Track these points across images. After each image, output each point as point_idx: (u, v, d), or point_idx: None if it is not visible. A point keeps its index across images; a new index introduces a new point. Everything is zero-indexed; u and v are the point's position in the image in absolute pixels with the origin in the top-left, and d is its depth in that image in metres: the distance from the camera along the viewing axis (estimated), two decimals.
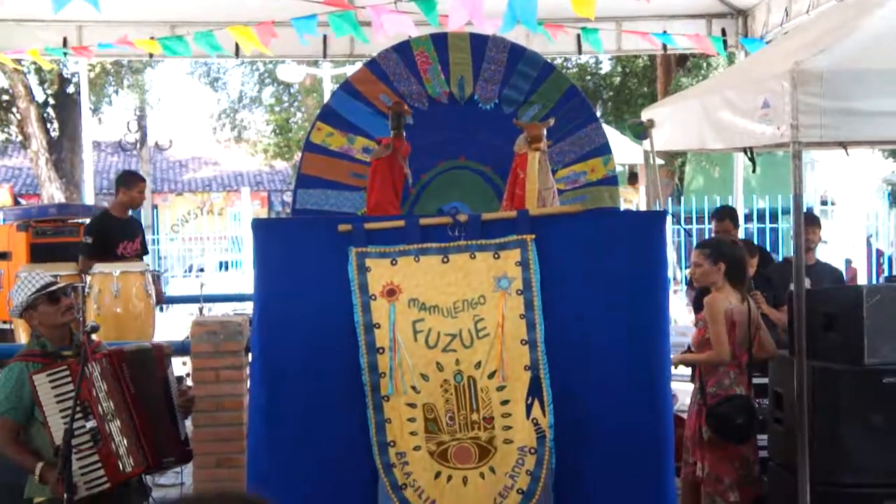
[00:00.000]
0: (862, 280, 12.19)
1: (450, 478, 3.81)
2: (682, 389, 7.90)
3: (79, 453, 3.84)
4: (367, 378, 3.81)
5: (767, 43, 7.96)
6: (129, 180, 7.58)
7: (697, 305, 6.81)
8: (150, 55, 8.39)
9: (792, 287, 4.75)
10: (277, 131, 29.41)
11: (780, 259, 12.40)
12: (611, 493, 3.81)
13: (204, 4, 8.06)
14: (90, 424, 3.89)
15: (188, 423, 4.54)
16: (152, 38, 8.19)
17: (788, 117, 4.34)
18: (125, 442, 3.93)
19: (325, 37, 8.22)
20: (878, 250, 13.50)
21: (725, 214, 7.16)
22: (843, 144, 4.86)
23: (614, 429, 3.82)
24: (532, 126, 4.02)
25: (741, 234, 9.09)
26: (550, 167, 4.47)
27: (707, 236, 15.09)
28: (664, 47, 8.46)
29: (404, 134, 4.22)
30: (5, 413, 4.00)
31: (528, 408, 3.78)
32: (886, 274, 12.50)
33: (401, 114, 4.13)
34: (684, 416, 7.33)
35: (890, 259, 13.16)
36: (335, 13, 7.17)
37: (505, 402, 3.79)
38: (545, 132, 3.99)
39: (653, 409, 3.86)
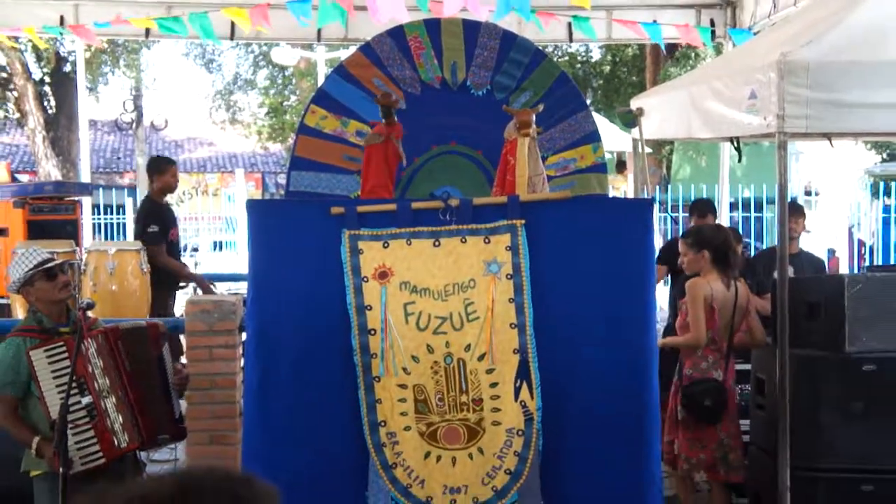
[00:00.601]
0: (844, 270, 12.23)
1: (439, 458, 3.82)
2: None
3: (75, 428, 3.84)
4: (358, 359, 3.81)
5: (755, 34, 7.95)
6: (160, 166, 7.36)
7: (682, 290, 6.83)
8: (147, 32, 8.31)
9: (775, 275, 4.76)
10: (272, 114, 29.30)
11: (764, 247, 12.45)
12: (596, 474, 3.83)
13: None
14: (86, 400, 3.89)
15: (182, 400, 4.54)
16: (148, 17, 8.14)
17: (775, 108, 4.34)
18: (120, 418, 3.92)
19: (318, 20, 8.15)
20: (859, 240, 13.54)
21: (706, 210, 7.14)
22: (828, 136, 4.86)
23: (601, 411, 3.83)
24: (521, 112, 4.01)
25: (726, 223, 9.12)
26: (541, 154, 4.46)
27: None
28: (652, 34, 8.44)
29: (395, 118, 4.20)
30: (3, 388, 4.00)
31: (517, 390, 3.78)
32: (868, 263, 12.54)
33: (389, 105, 4.11)
34: None
35: (871, 249, 13.21)
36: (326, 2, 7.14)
37: (494, 385, 3.80)
38: (534, 118, 3.98)
39: (639, 393, 3.87)
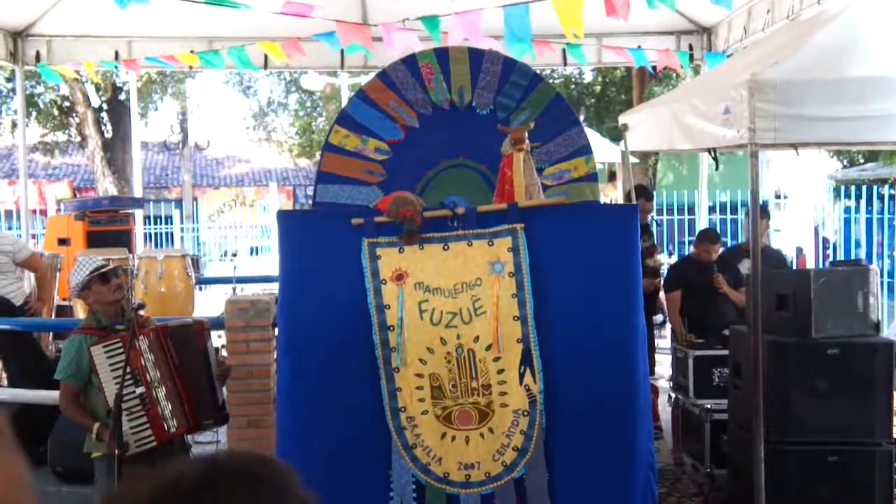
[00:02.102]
0: (811, 265, 12.15)
1: (454, 438, 3.81)
2: (656, 360, 7.92)
3: (130, 415, 3.85)
4: (379, 352, 3.80)
5: (728, 56, 7.92)
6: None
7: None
8: (190, 67, 8.38)
9: (742, 269, 4.72)
10: (301, 133, 29.36)
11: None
12: (594, 448, 3.81)
13: (237, 22, 8.03)
14: (139, 390, 3.89)
15: (224, 389, 4.55)
16: (192, 51, 8.18)
17: (747, 122, 4.32)
18: (170, 406, 3.93)
19: (342, 50, 8.18)
20: (824, 238, 13.45)
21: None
22: (794, 146, 4.82)
23: (595, 392, 3.81)
24: (514, 130, 4.01)
25: (705, 224, 9.08)
26: (539, 166, 4.45)
27: (676, 225, 15.08)
28: (635, 59, 8.41)
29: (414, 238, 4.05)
30: (68, 378, 4.01)
31: (521, 376, 3.77)
32: (832, 259, 12.46)
33: (413, 223, 3.91)
34: (657, 383, 7.35)
35: (834, 246, 13.12)
36: (346, 33, 7.14)
37: (500, 371, 3.79)
38: (526, 134, 3.97)
39: (628, 376, 3.85)
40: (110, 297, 4.10)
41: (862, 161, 19.52)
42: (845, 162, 20.19)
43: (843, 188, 13.88)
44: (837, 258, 12.32)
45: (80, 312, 6.68)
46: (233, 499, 1.02)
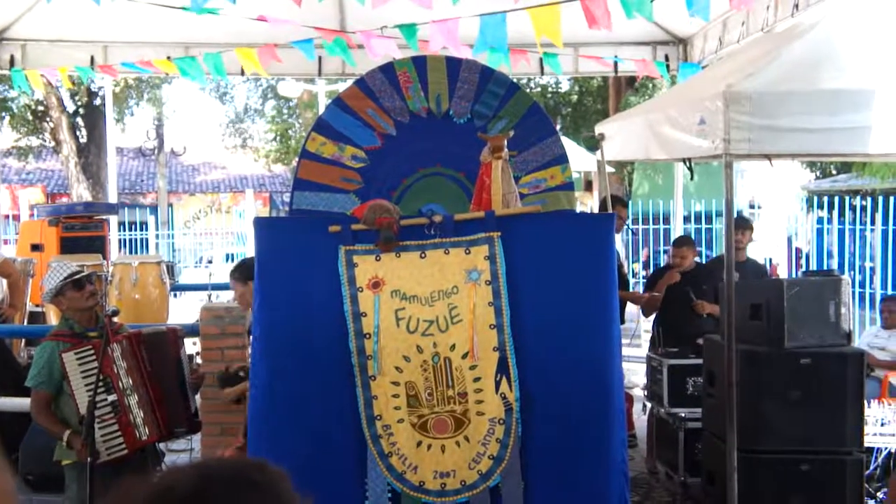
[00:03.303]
0: (783, 275, 12.26)
1: (430, 446, 3.79)
2: (630, 369, 7.97)
3: (101, 422, 3.81)
4: (355, 360, 3.78)
5: (704, 67, 7.99)
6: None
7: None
8: (167, 74, 8.34)
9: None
10: (278, 139, 29.27)
11: (714, 255, 12.45)
12: (568, 456, 3.81)
13: (214, 27, 8.00)
14: (111, 398, 3.86)
15: (197, 397, 4.51)
16: (168, 57, 8.14)
17: (722, 132, 4.35)
18: (141, 413, 3.89)
19: (320, 58, 8.17)
20: (797, 248, 13.58)
21: (616, 202, 7.07)
22: (768, 156, 4.86)
23: (570, 400, 3.81)
24: (494, 138, 4.02)
25: (681, 233, 9.14)
26: (516, 174, 4.45)
27: (651, 235, 15.17)
28: (615, 66, 8.47)
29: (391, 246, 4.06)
30: (39, 386, 3.97)
31: (497, 384, 3.76)
32: (805, 269, 12.58)
33: (390, 231, 3.92)
34: (632, 392, 7.38)
35: (807, 256, 13.24)
36: (328, 41, 7.15)
37: (477, 380, 3.78)
38: (506, 143, 3.98)
39: (603, 384, 3.85)
40: (84, 304, 4.06)
41: (835, 172, 19.76)
42: (818, 173, 20.41)
43: (815, 199, 14.04)
44: (810, 268, 12.44)
45: (53, 319, 6.60)
46: None
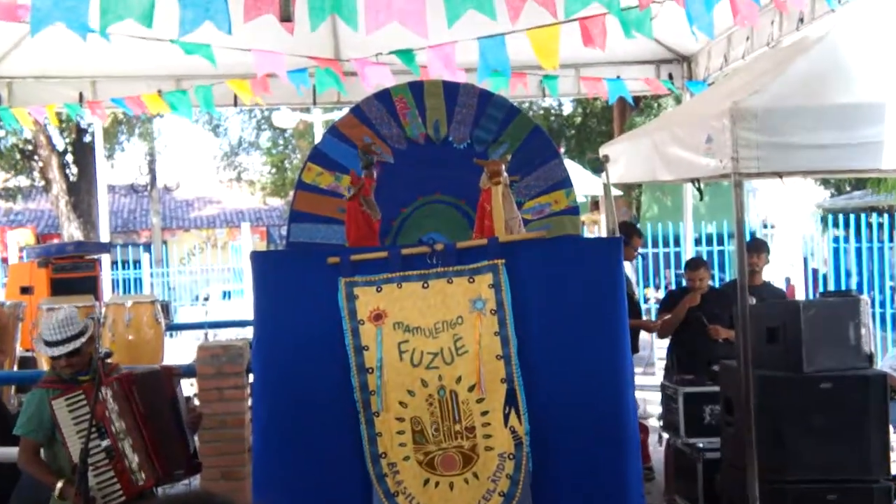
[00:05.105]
0: (800, 296, 12.22)
1: (437, 484, 3.78)
2: (645, 398, 7.93)
3: (96, 469, 3.79)
4: (358, 396, 3.78)
5: (709, 85, 8.03)
6: None
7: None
8: (159, 114, 8.44)
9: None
10: (274, 171, 29.39)
11: (728, 278, 12.43)
12: (581, 493, 3.79)
13: (205, 60, 8.07)
14: (105, 443, 3.84)
15: (196, 438, 4.49)
16: (159, 91, 8.20)
17: (729, 151, 4.36)
18: (137, 458, 3.88)
19: (314, 87, 8.23)
20: (813, 269, 13.55)
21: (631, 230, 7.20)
22: (779, 174, 4.88)
23: (583, 434, 3.79)
24: (490, 163, 4.03)
25: (692, 255, 9.13)
26: (518, 200, 4.47)
27: (661, 258, 15.16)
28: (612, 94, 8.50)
29: (374, 173, 4.21)
30: (27, 434, 3.95)
31: (506, 417, 3.75)
32: (822, 290, 12.54)
33: (368, 153, 4.11)
34: (647, 422, 7.34)
35: (825, 277, 13.21)
36: (321, 68, 7.22)
37: (484, 413, 3.77)
38: (504, 167, 3.99)
39: (616, 415, 3.84)
40: (62, 370, 4.04)
41: (849, 189, 19.77)
42: (833, 190, 20.43)
43: (831, 217, 14.04)
44: (828, 289, 12.41)
45: (45, 364, 6.59)
46: None
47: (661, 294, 13.62)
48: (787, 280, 12.09)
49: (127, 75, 8.52)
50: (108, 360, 4.07)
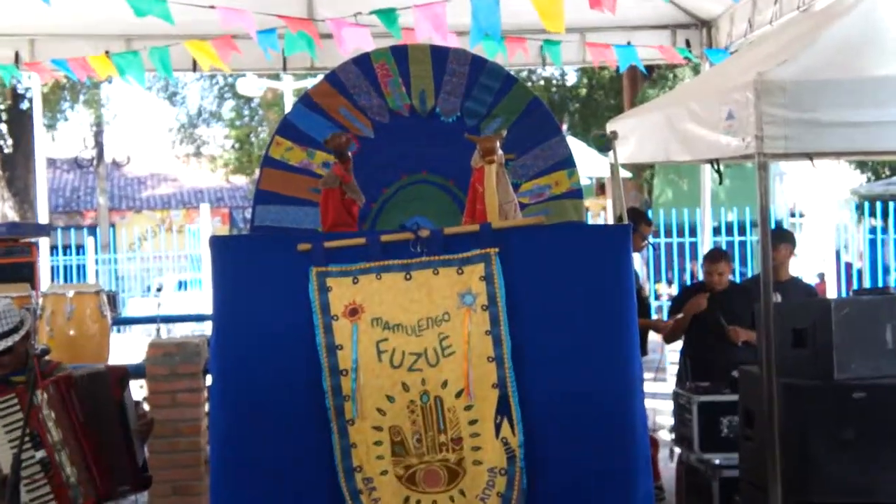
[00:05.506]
0: (832, 294, 12.30)
1: (419, 502, 3.77)
2: (655, 408, 7.96)
3: (30, 484, 3.78)
4: (330, 402, 3.77)
5: (732, 53, 8.04)
6: None
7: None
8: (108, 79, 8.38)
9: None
10: (238, 146, 29.34)
11: (749, 273, 12.49)
12: None
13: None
14: (40, 454, 3.82)
15: (145, 448, 4.48)
16: (107, 52, 8.14)
17: (753, 128, 4.37)
18: (76, 471, 3.86)
19: (284, 50, 8.19)
20: (847, 263, 13.63)
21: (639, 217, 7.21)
22: (809, 155, 4.89)
23: (584, 449, 3.79)
24: (484, 139, 4.01)
25: (709, 247, 9.17)
26: (515, 181, 4.47)
27: (675, 249, 15.23)
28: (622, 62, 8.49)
29: (351, 163, 4.18)
30: None
31: (497, 427, 3.75)
32: (856, 287, 12.62)
33: (339, 148, 4.09)
34: (657, 435, 7.37)
35: (859, 272, 13.29)
36: (291, 29, 7.19)
37: (473, 422, 3.77)
38: (499, 144, 3.98)
39: (622, 427, 3.84)
40: (1, 372, 4.02)
41: (888, 173, 19.87)
42: (870, 174, 20.52)
43: (867, 205, 14.11)
44: (863, 286, 12.49)
45: None
46: None
47: (675, 290, 13.67)
48: (821, 276, 12.15)
49: (70, 33, 8.47)
50: (47, 358, 4.05)
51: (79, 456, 3.88)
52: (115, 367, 4.35)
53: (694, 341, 6.75)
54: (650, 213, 15.21)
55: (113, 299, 7.76)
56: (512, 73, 5.01)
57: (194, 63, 8.32)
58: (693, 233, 13.73)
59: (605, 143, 6.33)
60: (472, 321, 3.75)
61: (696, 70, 9.43)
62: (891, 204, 13.04)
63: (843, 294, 12.31)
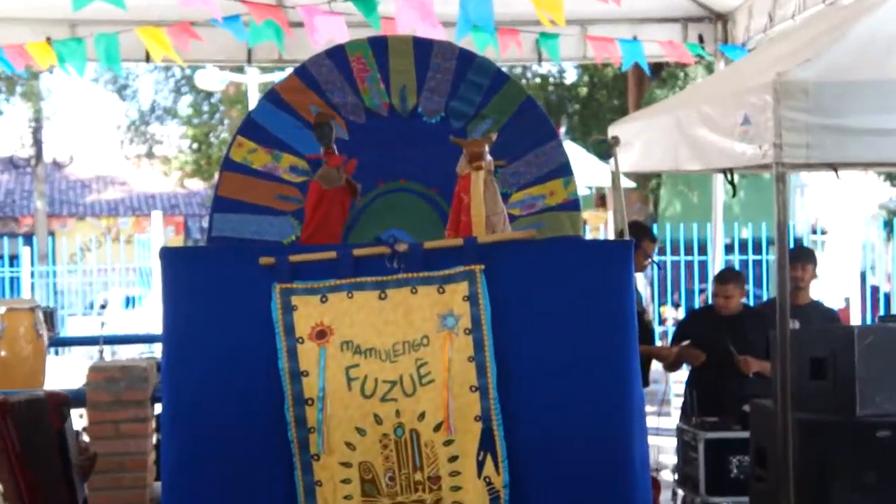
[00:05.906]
0: (856, 320, 12.34)
1: None
2: (657, 445, 7.98)
3: None
4: (293, 434, 3.77)
5: (749, 51, 8.10)
6: None
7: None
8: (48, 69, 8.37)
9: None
10: (196, 147, 29.31)
11: (765, 297, 12.54)
12: None
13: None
14: None
15: (85, 486, 4.47)
16: (48, 39, 8.14)
17: (771, 135, 4.41)
18: None
19: (249, 39, 8.21)
20: (873, 286, 13.68)
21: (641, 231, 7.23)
22: (833, 166, 4.93)
23: (576, 490, 3.81)
24: (471, 143, 4.02)
25: (720, 266, 9.22)
26: (505, 190, 4.49)
27: (683, 268, 15.28)
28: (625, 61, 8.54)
29: (335, 149, 4.21)
30: None
31: (480, 465, 3.76)
32: (883, 313, 12.68)
33: (324, 125, 4.11)
34: (659, 476, 7.39)
35: (887, 296, 13.36)
36: (256, 17, 7.20)
37: (453, 459, 3.78)
38: (492, 148, 4.00)
39: (619, 467, 3.86)
40: None
41: None
42: None
43: None
44: (890, 312, 12.55)
45: None
46: None
47: (682, 315, 13.71)
48: (847, 301, 12.19)
49: (6, 17, 8.46)
50: None
51: (13, 492, 3.87)
52: (54, 393, 4.34)
53: (701, 372, 6.78)
54: (655, 228, 15.29)
55: (50, 317, 7.73)
56: (504, 69, 5.03)
57: (147, 53, 8.32)
58: (703, 250, 13.78)
59: (605, 150, 6.37)
60: (453, 346, 3.77)
61: (709, 68, 9.50)
62: None
63: (869, 321, 12.37)
